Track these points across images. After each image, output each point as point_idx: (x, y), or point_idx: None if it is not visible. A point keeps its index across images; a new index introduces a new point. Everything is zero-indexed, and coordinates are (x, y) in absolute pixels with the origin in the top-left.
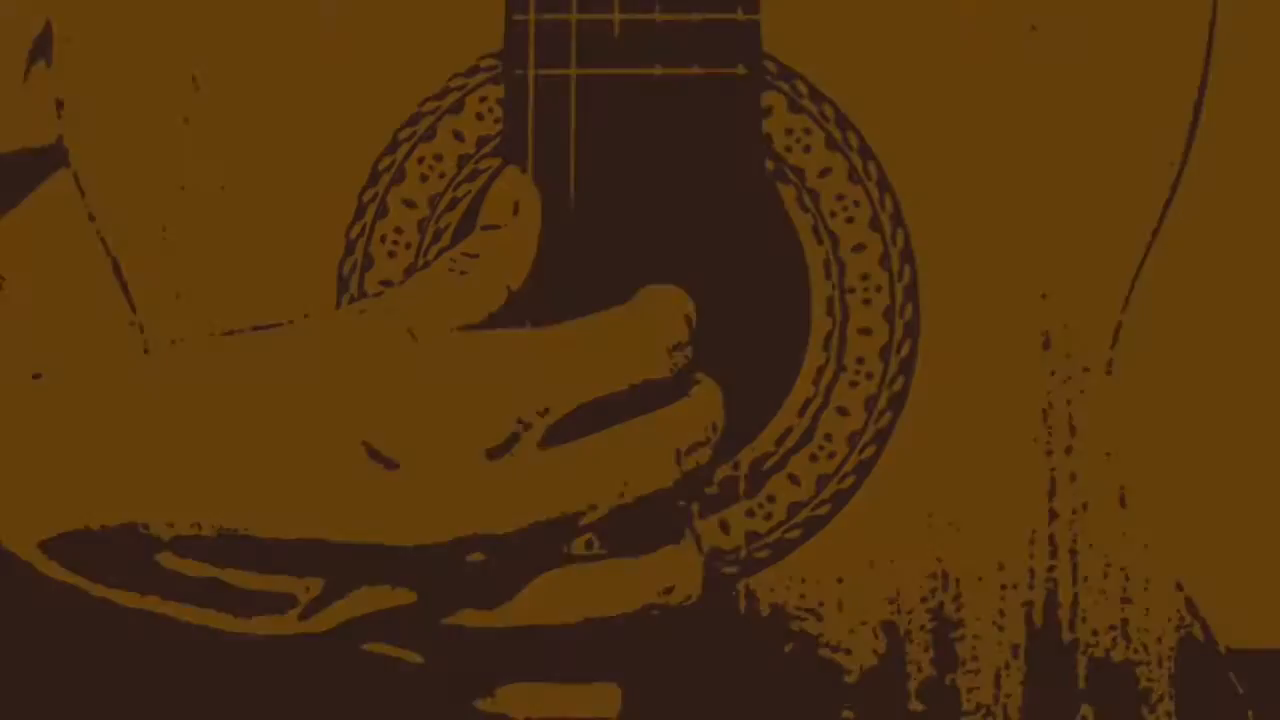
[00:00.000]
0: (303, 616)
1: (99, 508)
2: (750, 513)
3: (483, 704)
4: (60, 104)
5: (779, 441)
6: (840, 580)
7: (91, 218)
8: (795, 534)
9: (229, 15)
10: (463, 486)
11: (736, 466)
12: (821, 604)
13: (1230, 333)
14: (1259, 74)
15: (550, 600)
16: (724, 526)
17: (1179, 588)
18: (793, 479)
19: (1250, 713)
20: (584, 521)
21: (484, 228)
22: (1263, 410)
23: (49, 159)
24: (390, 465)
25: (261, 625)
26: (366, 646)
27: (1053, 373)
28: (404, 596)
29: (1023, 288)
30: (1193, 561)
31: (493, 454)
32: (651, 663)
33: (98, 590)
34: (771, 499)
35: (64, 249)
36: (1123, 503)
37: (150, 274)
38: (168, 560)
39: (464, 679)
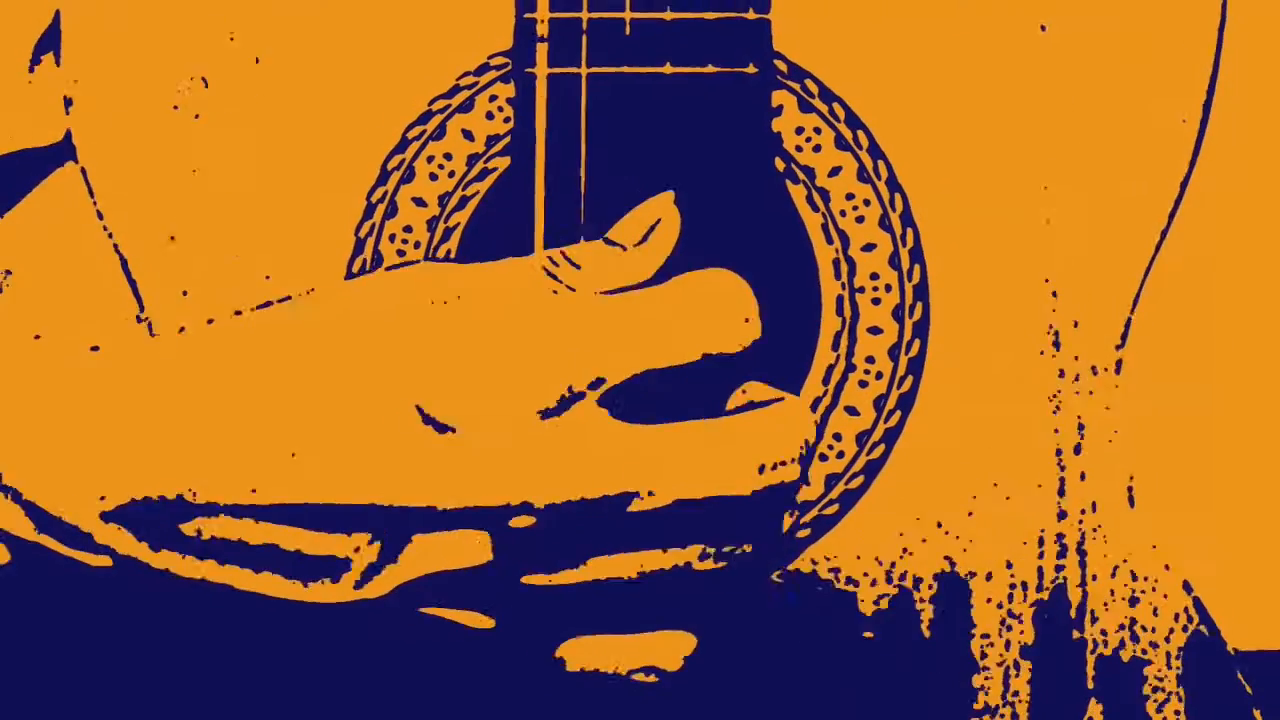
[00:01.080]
0: (358, 584)
1: (157, 478)
2: None
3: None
4: (69, 102)
5: None
6: (849, 580)
7: (100, 215)
8: (804, 533)
9: (238, 13)
10: (516, 450)
11: None
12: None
13: (1239, 332)
14: (1268, 74)
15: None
16: None
17: (1187, 588)
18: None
19: (1258, 713)
20: (642, 506)
21: (607, 240)
22: (1271, 410)
23: (55, 156)
24: (442, 429)
25: (318, 592)
26: (432, 610)
27: (1062, 372)
28: (470, 557)
29: (1032, 287)
30: (1201, 562)
31: (545, 415)
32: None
33: (158, 560)
34: None
35: (72, 245)
36: (1131, 502)
37: (158, 271)
38: (224, 527)
39: (524, 633)
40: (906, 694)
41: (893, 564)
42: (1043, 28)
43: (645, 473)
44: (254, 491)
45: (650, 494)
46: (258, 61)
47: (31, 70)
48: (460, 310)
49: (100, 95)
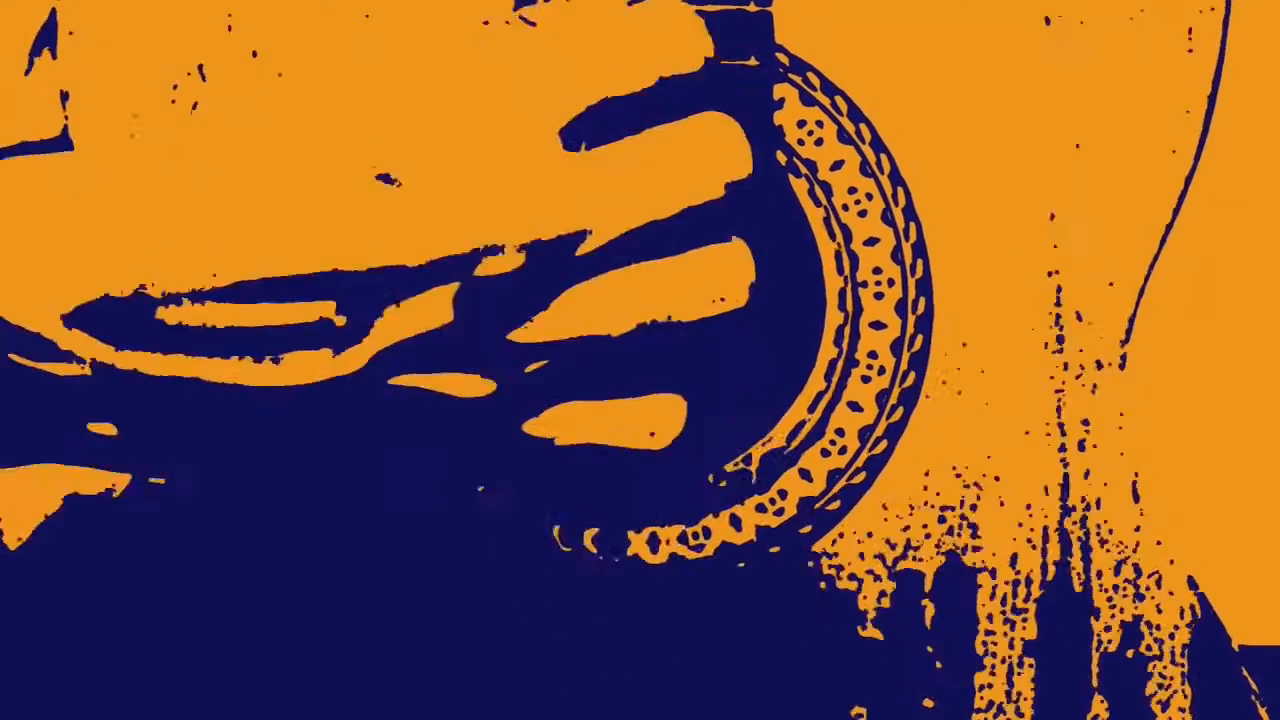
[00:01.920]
0: (335, 354)
1: (112, 274)
2: (761, 508)
3: (530, 427)
4: (65, 96)
5: (790, 436)
6: (853, 576)
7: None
8: (807, 529)
9: (236, 5)
10: (477, 195)
11: (748, 460)
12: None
13: (1243, 328)
14: (1273, 65)
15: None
16: (735, 522)
17: (1192, 584)
18: (804, 474)
19: (1263, 709)
20: (598, 242)
21: None
22: (1276, 405)
23: (52, 149)
24: (393, 182)
25: (293, 372)
26: (416, 380)
27: (1065, 367)
28: (434, 318)
29: (1036, 282)
30: (1205, 558)
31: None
32: (651, 662)
33: (124, 360)
34: (783, 494)
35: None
36: (1136, 498)
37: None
38: (187, 314)
39: (510, 400)
40: (909, 691)
41: (895, 560)
42: (1047, 20)
43: (603, 204)
44: (214, 275)
45: (608, 223)
46: (255, 55)
47: (29, 64)
48: (416, 65)
49: (96, 90)
